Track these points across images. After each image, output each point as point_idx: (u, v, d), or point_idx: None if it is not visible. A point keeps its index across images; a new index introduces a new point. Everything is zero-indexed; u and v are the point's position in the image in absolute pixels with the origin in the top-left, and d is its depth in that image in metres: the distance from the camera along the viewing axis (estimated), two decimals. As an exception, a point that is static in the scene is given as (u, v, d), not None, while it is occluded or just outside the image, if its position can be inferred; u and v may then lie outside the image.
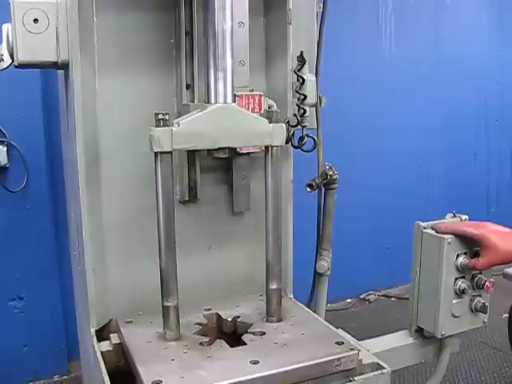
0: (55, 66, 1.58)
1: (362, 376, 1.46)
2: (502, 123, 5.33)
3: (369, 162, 4.34)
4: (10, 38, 1.52)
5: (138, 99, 1.70)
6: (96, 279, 1.65)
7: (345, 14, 3.96)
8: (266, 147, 1.56)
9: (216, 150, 1.55)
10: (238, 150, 1.71)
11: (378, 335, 1.97)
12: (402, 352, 1.91)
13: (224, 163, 1.79)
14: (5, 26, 1.54)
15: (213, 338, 1.56)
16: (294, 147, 1.87)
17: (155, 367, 1.36)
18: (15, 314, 3.17)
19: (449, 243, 1.73)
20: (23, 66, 1.55)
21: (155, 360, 1.41)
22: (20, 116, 3.00)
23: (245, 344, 1.50)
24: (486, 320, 1.88)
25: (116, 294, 1.73)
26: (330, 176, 2.00)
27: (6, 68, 1.58)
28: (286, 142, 1.66)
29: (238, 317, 1.68)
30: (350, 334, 1.67)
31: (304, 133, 1.85)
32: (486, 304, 1.82)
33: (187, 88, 1.71)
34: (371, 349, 1.70)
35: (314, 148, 1.93)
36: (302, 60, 1.78)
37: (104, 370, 1.43)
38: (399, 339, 1.94)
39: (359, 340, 1.70)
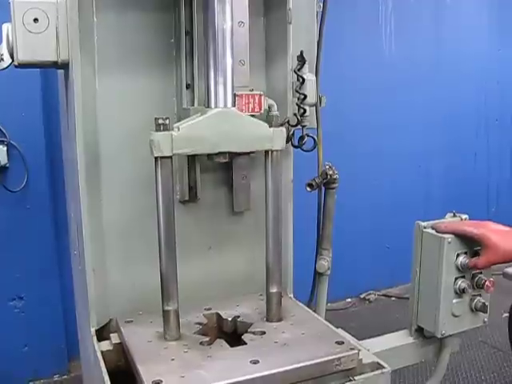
0: (55, 65, 1.58)
1: (362, 376, 1.46)
2: (502, 123, 5.33)
3: (369, 161, 4.34)
4: (10, 38, 1.52)
5: (138, 99, 1.70)
6: (96, 279, 1.65)
7: (345, 13, 3.96)
8: (266, 151, 1.57)
9: (216, 154, 1.55)
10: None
11: (378, 335, 1.97)
12: (402, 351, 1.91)
13: (224, 163, 1.79)
14: (5, 26, 1.54)
15: (213, 337, 1.57)
16: (294, 147, 1.87)
17: (155, 367, 1.36)
18: (15, 313, 3.17)
19: (449, 243, 1.73)
20: (23, 65, 1.55)
21: (155, 360, 1.41)
22: (20, 116, 3.00)
23: (245, 344, 1.50)
24: (486, 319, 1.88)
25: (116, 294, 1.73)
26: (330, 175, 2.00)
27: (6, 68, 1.58)
28: (286, 142, 1.66)
29: (238, 316, 1.68)
30: (350, 333, 1.67)
31: (304, 132, 1.85)
32: (486, 303, 1.82)
33: (187, 88, 1.70)
34: (371, 348, 1.70)
35: (314, 147, 1.93)
36: (302, 59, 1.77)
37: (104, 370, 1.43)
38: (399, 339, 1.94)
39: (359, 339, 1.70)
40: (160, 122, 1.41)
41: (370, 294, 4.59)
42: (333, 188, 2.05)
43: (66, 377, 3.34)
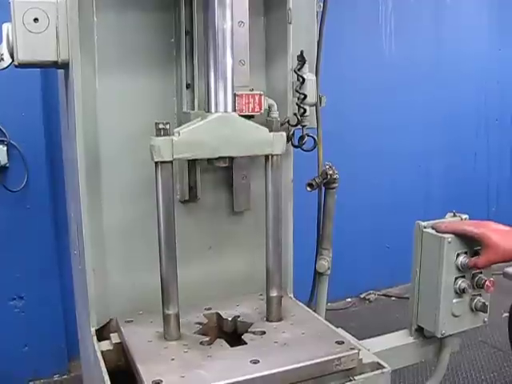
0: (55, 65, 1.58)
1: (362, 375, 1.46)
2: (501, 122, 5.33)
3: (369, 161, 4.34)
4: (10, 38, 1.52)
5: (139, 98, 1.70)
6: (96, 279, 1.65)
7: (345, 13, 3.96)
8: (267, 156, 1.57)
9: (216, 159, 1.55)
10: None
11: (378, 335, 1.97)
12: (402, 351, 1.91)
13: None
14: (5, 26, 1.54)
15: (213, 337, 1.57)
16: (294, 146, 1.87)
17: (155, 367, 1.36)
18: (15, 313, 3.17)
19: (449, 242, 1.73)
20: (23, 65, 1.55)
21: (155, 359, 1.41)
22: (20, 115, 3.00)
23: (245, 343, 1.51)
24: (486, 319, 1.88)
25: (116, 294, 1.73)
26: (330, 175, 2.00)
27: (6, 67, 1.58)
28: (287, 142, 1.66)
29: (238, 316, 1.68)
30: (350, 333, 1.67)
31: (304, 132, 1.85)
32: (486, 303, 1.82)
33: (187, 87, 1.71)
34: (371, 348, 1.70)
35: (314, 147, 1.93)
36: (302, 59, 1.77)
37: (104, 370, 1.43)
38: (399, 339, 1.94)
39: (359, 339, 1.70)
40: (160, 126, 1.42)
41: (370, 293, 4.59)
42: (333, 188, 2.05)
43: (66, 377, 3.34)
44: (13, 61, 1.54)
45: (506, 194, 5.48)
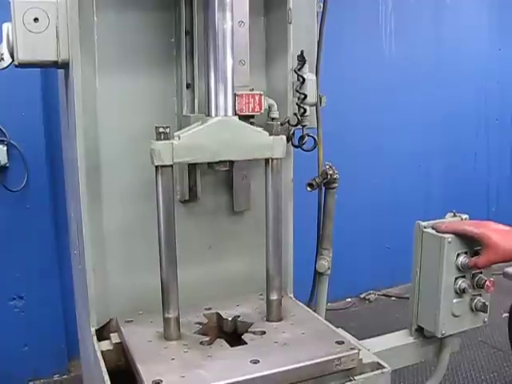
0: (55, 65, 1.58)
1: (363, 375, 1.46)
2: (502, 122, 5.33)
3: (369, 161, 4.34)
4: (10, 38, 1.52)
5: (139, 98, 1.70)
6: (96, 278, 1.65)
7: (345, 13, 3.96)
8: (267, 159, 1.57)
9: (216, 163, 1.55)
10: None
11: (378, 335, 1.97)
12: (403, 351, 1.91)
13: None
14: (5, 26, 1.54)
15: (213, 337, 1.57)
16: (295, 146, 1.87)
17: (155, 366, 1.36)
18: (15, 313, 3.17)
19: (449, 242, 1.73)
20: (23, 65, 1.55)
21: (155, 359, 1.41)
22: (20, 115, 3.00)
23: (245, 343, 1.51)
24: (486, 319, 1.88)
25: (116, 294, 1.73)
26: (330, 175, 2.00)
27: (6, 67, 1.58)
28: (287, 142, 1.66)
29: (239, 316, 1.68)
30: (350, 333, 1.67)
31: (304, 132, 1.85)
32: (487, 303, 1.82)
33: (187, 87, 1.71)
34: (371, 348, 1.70)
35: (315, 147, 1.93)
36: (302, 59, 1.77)
37: (104, 370, 1.43)
38: (399, 339, 1.94)
39: (359, 339, 1.70)
40: (161, 130, 1.42)
41: (370, 293, 4.58)
42: (333, 188, 2.05)
43: (65, 376, 3.33)
44: (13, 60, 1.54)
45: (506, 194, 5.48)
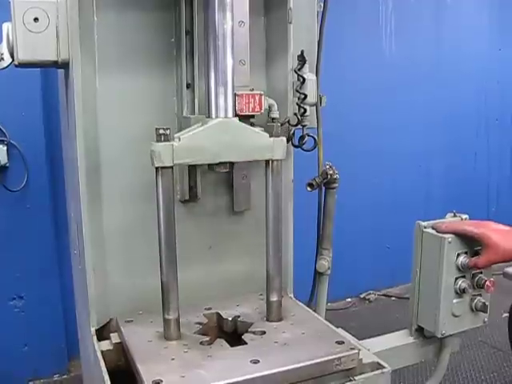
0: (55, 65, 1.58)
1: (363, 375, 1.46)
2: (502, 122, 5.33)
3: (369, 161, 4.34)
4: (10, 37, 1.52)
5: (139, 98, 1.70)
6: (96, 278, 1.65)
7: (345, 13, 3.96)
8: (267, 161, 1.57)
9: (217, 164, 1.55)
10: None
11: (378, 335, 1.97)
12: (403, 351, 1.91)
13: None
14: (5, 25, 1.54)
15: (213, 337, 1.57)
16: (295, 146, 1.87)
17: (155, 366, 1.36)
18: (15, 313, 3.17)
19: (449, 243, 1.73)
20: (23, 65, 1.55)
21: (155, 359, 1.41)
22: (20, 115, 3.00)
23: (245, 343, 1.51)
24: (486, 319, 1.88)
25: (116, 293, 1.73)
26: (331, 175, 2.00)
27: (6, 67, 1.58)
28: (287, 142, 1.66)
29: (239, 316, 1.68)
30: (350, 333, 1.67)
31: (304, 132, 1.85)
32: (487, 303, 1.82)
33: (187, 87, 1.71)
34: (371, 348, 1.70)
35: (315, 147, 1.93)
36: (302, 59, 1.77)
37: (104, 369, 1.43)
38: (399, 339, 1.94)
39: (359, 339, 1.70)
40: (161, 132, 1.42)
41: (370, 293, 4.58)
42: (333, 188, 2.05)
43: (65, 376, 3.34)
44: (13, 60, 1.54)
45: (506, 193, 5.48)
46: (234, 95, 1.58)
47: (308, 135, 1.87)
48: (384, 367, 1.49)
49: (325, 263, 2.09)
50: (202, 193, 1.78)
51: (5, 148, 2.96)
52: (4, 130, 2.96)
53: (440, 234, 1.76)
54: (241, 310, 1.71)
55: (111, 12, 1.64)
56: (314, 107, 1.92)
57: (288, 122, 1.78)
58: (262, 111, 1.69)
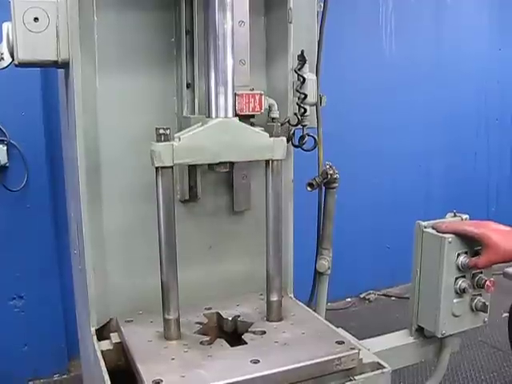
0: (55, 64, 1.58)
1: (363, 375, 1.46)
2: (502, 122, 5.33)
3: (369, 161, 4.34)
4: (10, 37, 1.52)
5: (139, 98, 1.70)
6: (96, 278, 1.65)
7: (345, 13, 3.96)
8: (267, 161, 1.57)
9: (217, 164, 1.55)
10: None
11: (379, 334, 1.97)
12: (403, 351, 1.91)
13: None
14: (5, 25, 1.54)
15: (213, 337, 1.56)
16: (295, 146, 1.87)
17: (155, 366, 1.36)
18: (15, 313, 3.17)
19: (449, 242, 1.73)
20: (23, 64, 1.55)
21: (155, 359, 1.41)
22: (20, 115, 3.00)
23: (245, 343, 1.51)
24: (486, 319, 1.88)
25: (116, 293, 1.73)
26: (331, 175, 2.00)
27: (6, 67, 1.58)
28: (287, 142, 1.66)
29: (239, 316, 1.68)
30: (350, 333, 1.67)
31: (304, 132, 1.85)
32: (487, 303, 1.82)
33: (187, 87, 1.71)
34: (371, 348, 1.70)
35: (315, 147, 1.93)
36: (302, 59, 1.77)
37: (104, 369, 1.43)
38: (399, 338, 1.94)
39: (359, 339, 1.70)
40: (161, 132, 1.42)
41: (370, 293, 4.59)
42: (333, 188, 2.05)
43: (65, 376, 3.34)
44: (13, 60, 1.54)
45: (505, 193, 5.48)
46: (234, 95, 1.58)
47: (308, 135, 1.86)
48: (384, 367, 1.49)
49: (325, 263, 2.09)
50: (202, 193, 1.78)
51: (5, 148, 2.96)
52: (4, 130, 2.96)
53: (440, 234, 1.76)
54: (241, 310, 1.71)
55: (111, 12, 1.64)
56: (314, 107, 1.91)
57: (288, 121, 1.78)
58: (262, 111, 1.69)
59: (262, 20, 1.84)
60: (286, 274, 1.88)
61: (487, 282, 1.78)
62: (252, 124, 1.65)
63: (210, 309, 1.73)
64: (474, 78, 4.99)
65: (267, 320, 1.64)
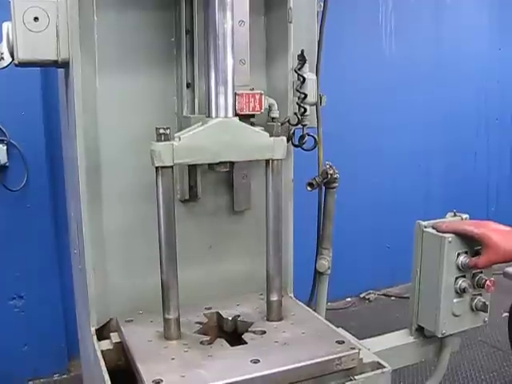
0: (55, 64, 1.58)
1: (363, 375, 1.46)
2: (502, 122, 5.34)
3: (369, 160, 4.34)
4: (11, 37, 1.52)
5: (139, 97, 1.70)
6: (96, 278, 1.65)
7: (345, 13, 3.96)
8: (267, 161, 1.57)
9: (217, 164, 1.55)
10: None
11: (379, 334, 1.97)
12: (403, 351, 1.91)
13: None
14: (5, 25, 1.54)
15: (213, 336, 1.56)
16: (295, 146, 1.87)
17: (155, 366, 1.36)
18: (15, 312, 3.17)
19: (449, 242, 1.73)
20: (23, 64, 1.54)
21: (155, 359, 1.40)
22: (20, 115, 3.00)
23: (245, 343, 1.50)
24: (486, 319, 1.88)
25: (116, 293, 1.72)
26: (331, 175, 2.00)
27: (6, 67, 1.58)
28: (287, 141, 1.66)
29: (239, 316, 1.68)
30: (350, 332, 1.67)
31: (304, 132, 1.85)
32: (487, 303, 1.82)
33: (187, 87, 1.70)
34: (371, 348, 1.70)
35: (315, 147, 1.93)
36: (302, 59, 1.77)
37: (104, 369, 1.43)
38: (399, 338, 1.94)
39: (359, 339, 1.70)
40: (161, 131, 1.42)
41: (370, 293, 4.59)
42: (333, 187, 2.05)
43: (65, 376, 3.34)
44: (13, 60, 1.54)
45: (505, 193, 5.48)
46: (234, 95, 1.58)
47: (308, 135, 1.86)
48: (384, 367, 1.49)
49: (325, 263, 2.09)
50: (202, 192, 1.78)
51: (5, 148, 2.96)
52: (4, 130, 2.96)
53: (440, 234, 1.76)
54: (241, 310, 1.71)
55: (111, 11, 1.63)
56: (314, 107, 1.91)
57: (288, 121, 1.78)
58: (262, 111, 1.69)
59: (262, 20, 1.84)
60: (286, 274, 1.88)
61: (487, 282, 1.78)
62: (252, 124, 1.65)
63: (210, 308, 1.73)
64: (473, 77, 4.99)
65: (267, 320, 1.64)
